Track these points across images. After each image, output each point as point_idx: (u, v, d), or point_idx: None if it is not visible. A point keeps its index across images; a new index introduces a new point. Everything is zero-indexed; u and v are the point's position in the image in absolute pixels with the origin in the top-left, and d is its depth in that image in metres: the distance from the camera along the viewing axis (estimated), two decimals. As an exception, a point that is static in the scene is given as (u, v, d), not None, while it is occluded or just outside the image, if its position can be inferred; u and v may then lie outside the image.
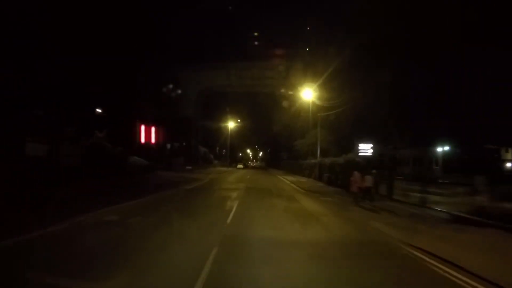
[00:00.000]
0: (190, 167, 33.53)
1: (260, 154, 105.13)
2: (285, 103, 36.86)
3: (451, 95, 29.37)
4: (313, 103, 25.04)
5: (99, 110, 28.27)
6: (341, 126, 27.50)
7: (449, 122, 28.77)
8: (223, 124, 48.80)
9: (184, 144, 38.42)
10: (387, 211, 10.89)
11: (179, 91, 35.02)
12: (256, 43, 32.23)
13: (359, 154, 20.73)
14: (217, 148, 58.30)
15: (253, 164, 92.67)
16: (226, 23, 43.91)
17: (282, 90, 32.77)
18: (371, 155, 20.79)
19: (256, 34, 32.42)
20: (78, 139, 20.75)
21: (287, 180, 24.73)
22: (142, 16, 29.00)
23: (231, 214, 8.42)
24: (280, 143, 56.36)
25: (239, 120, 50.68)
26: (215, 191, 15.48)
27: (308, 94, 24.99)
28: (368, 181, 13.01)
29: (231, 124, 49.03)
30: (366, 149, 22.39)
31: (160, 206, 10.22)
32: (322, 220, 8.47)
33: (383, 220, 8.89)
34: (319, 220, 8.44)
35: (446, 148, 27.90)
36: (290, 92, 29.26)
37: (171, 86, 34.14)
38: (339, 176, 18.40)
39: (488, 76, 27.05)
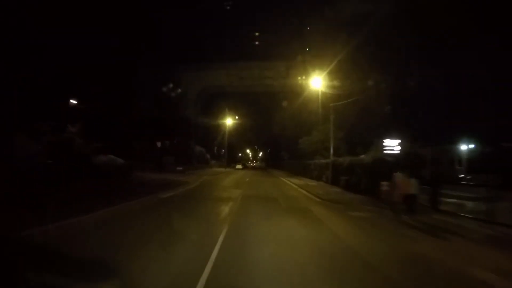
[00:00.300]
0: (181, 168, 30.00)
1: (260, 154, 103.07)
2: (285, 102, 36.52)
3: (469, 93, 27.00)
4: (323, 93, 21.33)
5: (74, 102, 24.76)
6: (350, 121, 24.58)
7: (468, 121, 26.84)
8: (221, 122, 45.84)
9: (175, 141, 34.89)
10: (451, 232, 7.34)
11: (179, 91, 34.62)
12: (256, 43, 31.01)
13: (384, 151, 16.82)
14: (215, 147, 55.32)
15: (252, 164, 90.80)
16: (226, 23, 42.75)
17: (284, 80, 30.42)
18: (398, 153, 16.87)
19: (257, 34, 31.13)
20: (40, 134, 17.15)
21: (293, 184, 20.72)
22: (143, 16, 29.37)
23: (206, 271, 4.05)
24: (280, 143, 54.63)
25: (236, 117, 47.62)
26: (198, 203, 11.28)
27: (317, 82, 21.18)
28: (413, 186, 9.53)
29: (229, 121, 45.72)
30: (392, 145, 18.40)
31: (87, 236, 5.98)
32: (389, 276, 4.33)
33: (479, 260, 5.11)
34: (384, 275, 4.33)
35: (472, 146, 24.94)
36: (299, 78, 26.50)
37: (171, 85, 33.91)
38: (362, 180, 14.52)
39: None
